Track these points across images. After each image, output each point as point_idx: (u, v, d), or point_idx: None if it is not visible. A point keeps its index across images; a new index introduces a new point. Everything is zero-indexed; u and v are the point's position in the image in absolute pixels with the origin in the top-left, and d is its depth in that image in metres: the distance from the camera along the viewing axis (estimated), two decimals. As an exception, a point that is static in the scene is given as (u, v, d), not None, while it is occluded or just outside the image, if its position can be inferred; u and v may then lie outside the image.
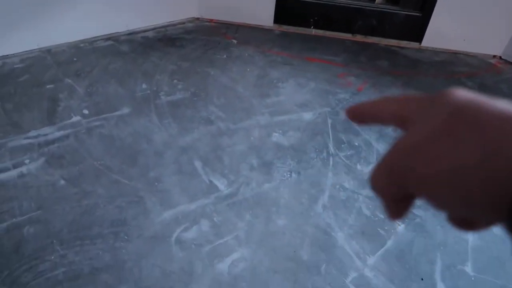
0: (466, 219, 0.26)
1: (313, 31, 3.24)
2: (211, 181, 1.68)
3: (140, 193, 1.59)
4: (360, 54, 3.00)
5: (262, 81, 2.50)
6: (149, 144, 1.86)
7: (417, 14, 3.05)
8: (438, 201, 0.24)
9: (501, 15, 2.92)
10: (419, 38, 3.13)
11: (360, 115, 0.30)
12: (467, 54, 3.15)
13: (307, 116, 2.18)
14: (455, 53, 3.15)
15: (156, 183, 1.65)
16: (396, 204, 0.28)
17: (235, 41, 3.02)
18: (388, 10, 3.08)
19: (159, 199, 1.57)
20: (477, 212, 0.22)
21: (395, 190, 0.26)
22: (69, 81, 2.31)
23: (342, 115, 2.20)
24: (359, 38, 3.21)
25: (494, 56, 3.15)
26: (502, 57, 3.13)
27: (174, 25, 3.18)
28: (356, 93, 2.45)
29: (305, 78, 2.59)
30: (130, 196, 1.57)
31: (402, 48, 3.16)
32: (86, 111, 2.06)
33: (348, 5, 3.11)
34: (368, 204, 1.63)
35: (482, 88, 2.66)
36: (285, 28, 3.26)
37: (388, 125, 0.29)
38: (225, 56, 2.79)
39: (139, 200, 1.56)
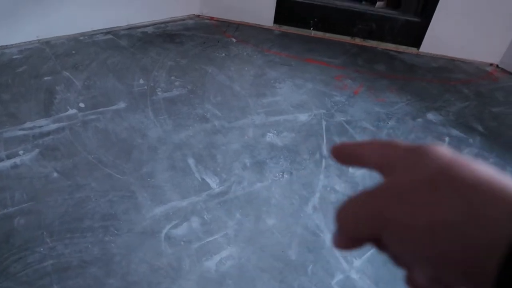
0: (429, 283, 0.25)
1: (313, 33, 3.25)
2: (203, 179, 1.69)
3: (132, 187, 1.60)
4: (358, 57, 3.02)
5: (259, 81, 2.52)
6: (143, 140, 1.88)
7: (417, 19, 3.06)
8: (404, 255, 0.23)
9: (499, 24, 2.94)
10: (417, 43, 3.15)
11: (344, 157, 0.30)
12: (464, 61, 3.16)
13: (302, 117, 2.19)
14: (452, 60, 3.17)
15: (148, 179, 1.66)
16: (351, 241, 0.27)
17: (234, 40, 3.03)
18: (388, 15, 3.09)
19: (150, 194, 1.58)
20: (446, 276, 0.22)
21: (360, 231, 0.25)
22: (67, 73, 2.32)
23: (337, 118, 2.22)
24: (358, 41, 3.22)
25: (491, 64, 3.16)
26: (499, 66, 3.14)
27: (174, 21, 3.19)
28: (352, 96, 2.47)
29: (302, 79, 2.60)
30: (122, 191, 1.59)
31: (400, 52, 3.18)
32: (82, 104, 2.07)
33: (348, 8, 3.12)
34: (358, 207, 1.64)
35: (478, 95, 2.68)
36: (285, 28, 3.27)
37: (370, 168, 0.28)
38: (223, 54, 2.80)
39: (131, 195, 1.57)
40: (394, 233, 0.23)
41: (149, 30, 3.03)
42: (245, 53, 2.86)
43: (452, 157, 0.23)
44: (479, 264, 0.20)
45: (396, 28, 3.11)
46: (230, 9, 3.24)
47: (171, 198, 1.58)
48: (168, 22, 3.16)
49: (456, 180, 0.22)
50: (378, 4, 3.19)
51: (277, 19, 3.23)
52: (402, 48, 3.20)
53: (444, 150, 0.24)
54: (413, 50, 3.19)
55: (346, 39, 3.24)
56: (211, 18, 3.31)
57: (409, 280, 0.26)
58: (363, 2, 3.26)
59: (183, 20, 3.24)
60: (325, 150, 1.95)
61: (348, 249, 0.28)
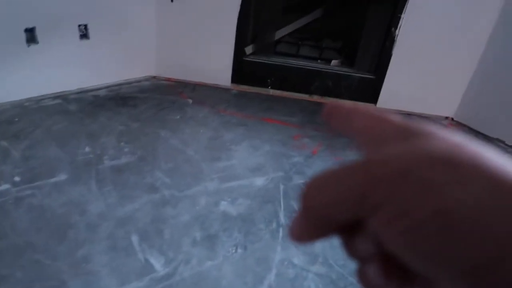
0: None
1: (271, 91, 3.24)
2: (147, 260, 1.52)
3: (63, 276, 1.41)
4: (316, 114, 3.01)
5: (214, 143, 2.43)
6: (82, 216, 1.70)
7: (371, 76, 3.12)
8: (393, 244, 0.19)
9: (451, 77, 3.03)
10: (374, 99, 3.19)
11: (336, 119, 0.27)
12: (420, 115, 3.21)
13: (259, 181, 2.09)
14: (409, 114, 3.21)
15: (83, 264, 1.47)
16: (317, 229, 0.22)
17: (190, 101, 2.97)
18: (343, 72, 3.14)
19: (84, 283, 1.40)
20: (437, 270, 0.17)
21: (336, 212, 0.21)
22: (5, 143, 2.15)
23: (295, 180, 2.13)
24: (316, 98, 3.24)
25: (447, 118, 3.23)
26: (454, 119, 3.21)
27: (129, 83, 3.12)
28: (310, 156, 2.41)
29: (259, 140, 2.53)
30: (51, 280, 1.39)
31: (358, 108, 3.20)
32: (17, 178, 1.89)
33: (305, 67, 3.16)
34: (318, 283, 1.51)
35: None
36: (243, 87, 3.25)
37: (359, 140, 0.25)
38: (178, 116, 2.71)
39: (59, 285, 1.38)
40: (388, 218, 0.18)
41: (102, 93, 2.93)
42: (200, 115, 2.79)
43: (462, 143, 0.19)
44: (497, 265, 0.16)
45: (352, 85, 3.15)
46: (187, 69, 3.22)
47: (108, 286, 1.40)
48: (122, 84, 3.09)
49: (475, 159, 0.18)
50: (333, 62, 3.25)
51: (235, 79, 3.22)
52: (359, 104, 3.22)
53: (450, 135, 0.20)
54: (370, 106, 3.22)
55: (304, 96, 3.25)
56: (168, 79, 3.26)
57: (362, 274, 0.22)
58: (319, 61, 3.31)
59: (139, 82, 3.17)
60: (282, 218, 1.84)
61: (309, 240, 0.23)
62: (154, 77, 3.27)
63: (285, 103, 3.14)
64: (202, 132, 2.56)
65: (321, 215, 0.21)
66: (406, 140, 0.21)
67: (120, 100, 2.84)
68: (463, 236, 0.16)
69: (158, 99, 2.93)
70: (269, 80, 3.20)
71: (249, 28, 3.08)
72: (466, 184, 0.17)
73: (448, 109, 3.19)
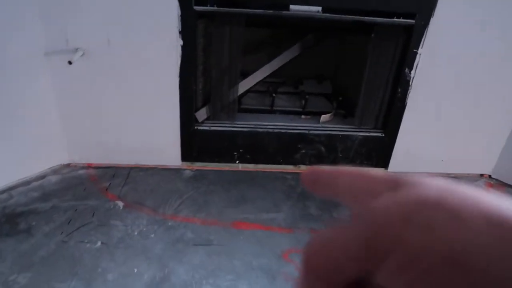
0: None
1: (240, 166, 2.28)
2: None
3: None
4: (308, 200, 2.07)
5: (156, 303, 1.44)
6: None
7: (379, 134, 2.22)
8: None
9: (486, 129, 2.18)
10: (384, 162, 2.29)
11: (317, 184, 0.26)
12: (448, 175, 2.34)
13: None
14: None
15: None
16: None
17: (121, 204, 1.96)
18: (339, 132, 2.23)
19: None
20: None
21: (345, 270, 0.20)
22: None
23: None
24: (303, 168, 2.30)
25: (482, 175, 2.37)
26: (492, 176, 2.35)
27: (26, 183, 2.07)
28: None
29: (232, 274, 1.57)
30: None
31: (364, 177, 2.29)
32: None
33: (285, 130, 2.22)
34: None
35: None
36: (199, 165, 2.28)
37: (343, 200, 0.24)
38: (99, 243, 1.71)
39: None
40: (398, 265, 0.18)
41: (-23, 210, 1.88)
42: (136, 232, 1.79)
43: (452, 186, 0.19)
44: None
45: (353, 147, 2.24)
46: (116, 149, 2.21)
47: None
48: (16, 186, 2.04)
49: (468, 199, 0.18)
50: (324, 118, 2.31)
51: (186, 156, 2.24)
52: (344, 167, 2.31)
53: (434, 181, 0.20)
54: (379, 171, 2.31)
55: (288, 168, 2.30)
56: (88, 166, 2.24)
57: None
58: (303, 116, 2.38)
59: (43, 177, 2.13)
60: None
61: None
62: (68, 165, 2.23)
63: (263, 185, 2.18)
64: (137, 273, 1.57)
65: (328, 279, 0.21)
66: (396, 191, 0.20)
67: (6, 222, 1.80)
68: (474, 280, 0.16)
69: (69, 209, 1.91)
70: (235, 153, 2.24)
71: (197, 84, 2.11)
72: (466, 223, 0.17)
73: (483, 166, 2.34)
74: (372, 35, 1.96)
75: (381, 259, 0.18)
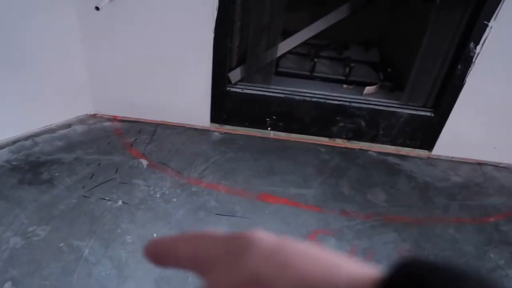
0: None
1: (271, 134, 2.15)
2: None
3: None
4: (342, 177, 1.93)
5: (174, 274, 1.38)
6: None
7: (428, 113, 2.01)
8: None
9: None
10: (429, 145, 2.10)
11: (158, 256, 0.26)
12: (496, 166, 2.13)
13: None
14: (479, 164, 2.13)
15: None
16: None
17: (145, 163, 1.88)
18: (384, 107, 2.03)
19: None
20: None
21: None
22: None
23: None
24: (341, 143, 2.15)
25: (535, 169, 2.14)
26: (547, 171, 2.12)
27: (52, 131, 2.02)
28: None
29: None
30: None
31: (404, 158, 2.12)
32: None
33: (324, 99, 2.04)
34: None
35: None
36: (229, 129, 2.16)
37: (186, 269, 0.25)
38: (120, 202, 1.65)
39: None
40: None
41: (3, 155, 1.84)
42: (158, 194, 1.72)
43: (278, 241, 0.22)
44: None
45: (397, 125, 2.05)
46: (142, 104, 2.11)
47: None
48: (39, 134, 1.99)
49: (290, 267, 0.21)
50: (368, 89, 2.11)
51: (216, 117, 2.12)
52: (405, 150, 2.14)
53: (266, 235, 0.23)
54: (422, 153, 2.13)
55: (322, 141, 2.15)
56: (114, 118, 2.15)
57: None
58: (345, 86, 2.18)
59: (68, 126, 2.07)
60: None
61: None
62: (94, 115, 2.16)
63: (294, 157, 2.04)
64: (158, 235, 1.50)
65: None
66: (233, 259, 0.22)
67: (28, 172, 1.76)
68: None
69: (92, 162, 1.85)
70: (268, 119, 2.09)
71: (233, 42, 1.94)
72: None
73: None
74: (438, 0, 1.70)
75: None
